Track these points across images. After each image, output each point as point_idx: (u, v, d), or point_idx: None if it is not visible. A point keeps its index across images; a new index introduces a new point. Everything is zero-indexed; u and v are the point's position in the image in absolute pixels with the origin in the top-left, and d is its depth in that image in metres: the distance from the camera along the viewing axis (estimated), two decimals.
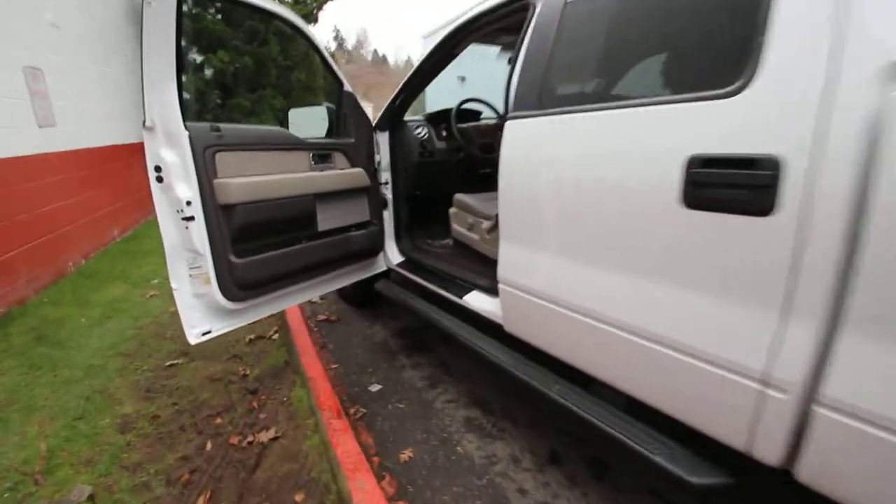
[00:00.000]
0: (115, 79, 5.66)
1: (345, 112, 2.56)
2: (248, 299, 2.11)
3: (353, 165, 2.57)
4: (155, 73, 1.77)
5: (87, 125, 4.86)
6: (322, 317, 3.44)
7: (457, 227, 2.79)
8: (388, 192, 2.88)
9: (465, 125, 3.00)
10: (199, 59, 7.61)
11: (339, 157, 2.50)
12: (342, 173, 2.47)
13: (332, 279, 2.57)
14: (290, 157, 2.25)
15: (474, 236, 2.60)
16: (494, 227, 2.36)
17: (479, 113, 3.28)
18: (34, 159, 3.82)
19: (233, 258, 1.99)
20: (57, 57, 4.29)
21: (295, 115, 2.78)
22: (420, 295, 2.66)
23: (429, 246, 3.07)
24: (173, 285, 1.94)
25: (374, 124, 2.73)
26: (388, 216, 2.89)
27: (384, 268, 2.95)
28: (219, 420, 2.25)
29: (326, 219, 2.43)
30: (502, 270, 1.87)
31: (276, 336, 3.07)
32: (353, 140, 2.56)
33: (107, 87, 5.43)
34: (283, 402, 2.34)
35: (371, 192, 2.68)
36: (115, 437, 2.12)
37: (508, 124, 1.73)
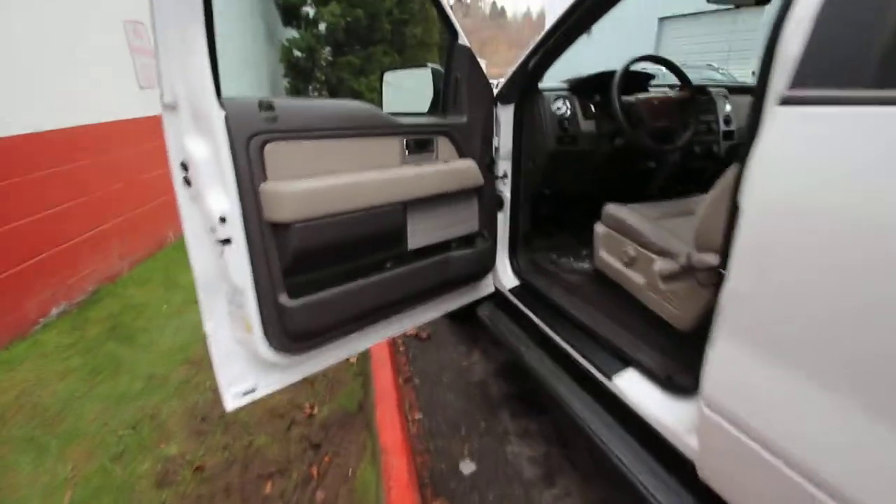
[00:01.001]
0: (222, 34, 5.42)
1: (456, 77, 1.76)
2: (305, 351, 1.49)
3: (462, 154, 1.78)
4: (173, 20, 1.13)
5: None
6: (411, 330, 2.82)
7: (605, 256, 1.90)
8: (505, 189, 2.07)
9: (630, 98, 2.03)
10: (312, 12, 7.22)
11: (442, 144, 1.73)
12: (447, 168, 1.70)
13: (421, 312, 1.87)
14: (375, 147, 1.54)
15: (636, 277, 1.70)
16: (679, 275, 1.45)
17: (646, 78, 2.25)
18: (134, 123, 3.63)
19: (284, 299, 1.37)
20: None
21: (391, 80, 2.04)
22: (538, 341, 1.87)
23: (556, 267, 2.22)
24: (206, 328, 1.38)
25: (495, 96, 1.90)
26: (502, 221, 2.09)
27: (492, 289, 2.18)
28: (269, 488, 1.74)
29: (420, 233, 1.71)
30: (716, 386, 1.00)
31: (353, 357, 2.51)
32: (464, 118, 1.77)
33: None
34: (346, 479, 1.76)
35: (484, 192, 1.89)
36: (149, 493, 1.71)
37: (784, 114, 0.81)
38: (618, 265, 1.79)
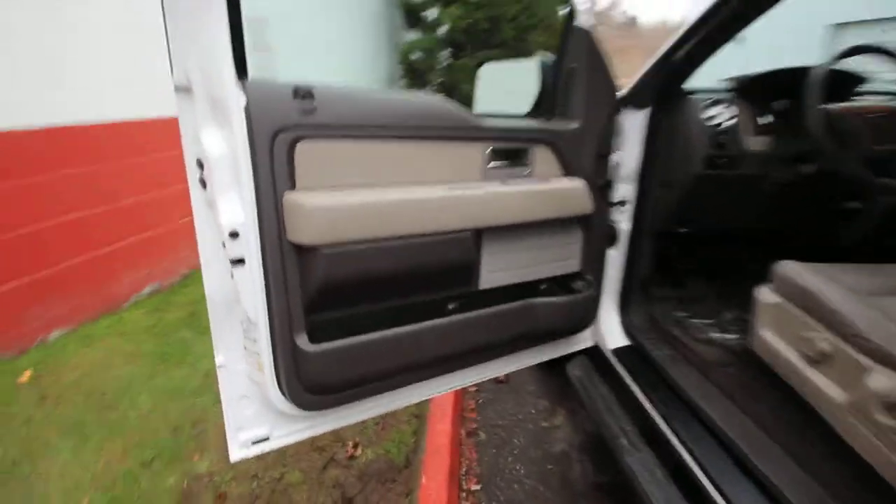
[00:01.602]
0: (339, 27, 5.51)
1: (570, 68, 1.33)
2: (325, 408, 1.18)
3: (567, 171, 1.35)
4: None
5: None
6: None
7: (770, 338, 1.31)
8: (623, 220, 1.59)
9: (835, 107, 1.40)
10: (434, 14, 7.17)
11: (541, 156, 1.32)
12: (543, 189, 1.29)
13: (490, 367, 1.46)
14: (448, 154, 1.18)
15: (828, 388, 1.10)
16: None
17: (854, 83, 1.58)
18: None
19: (302, 342, 1.07)
20: (278, 4, 4.12)
21: (489, 75, 1.67)
22: (645, 433, 1.37)
23: (684, 332, 1.66)
24: (217, 360, 1.13)
25: (620, 97, 1.44)
26: (614, 260, 1.60)
27: (589, 343, 1.70)
28: None
29: (497, 270, 1.32)
30: None
31: None
32: (575, 124, 1.34)
33: (330, 37, 5.30)
34: None
35: (592, 222, 1.43)
36: None
37: None
38: (793, 358, 1.20)
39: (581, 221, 1.43)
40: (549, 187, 1.29)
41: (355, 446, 1.86)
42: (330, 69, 5.12)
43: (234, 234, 0.97)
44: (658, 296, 1.81)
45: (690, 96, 1.50)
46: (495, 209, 1.20)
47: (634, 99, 1.48)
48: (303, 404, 1.12)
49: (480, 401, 2.21)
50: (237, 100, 0.92)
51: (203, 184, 0.99)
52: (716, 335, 1.60)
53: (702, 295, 1.86)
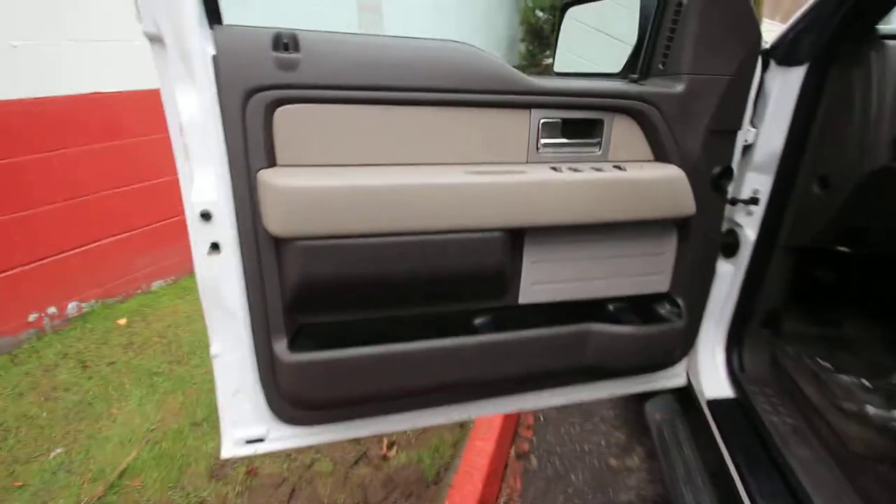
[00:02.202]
0: None
1: (678, 2, 0.92)
2: (309, 424, 1.01)
3: (660, 153, 0.97)
4: None
5: None
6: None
7: None
8: (748, 226, 1.15)
9: None
10: None
11: (621, 130, 0.96)
12: (621, 178, 0.94)
13: (533, 398, 1.16)
14: (481, 124, 0.89)
15: None
16: None
17: None
18: None
19: (280, 349, 0.89)
20: None
21: (575, 22, 1.28)
22: None
23: (825, 392, 1.16)
24: (212, 349, 1.02)
25: (764, 47, 0.98)
26: (726, 277, 1.18)
27: (680, 382, 1.30)
28: None
29: (544, 283, 1.01)
30: None
31: None
32: (679, 87, 0.94)
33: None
34: None
35: (693, 226, 1.03)
36: (196, 481, 1.56)
37: None
38: None
39: (678, 224, 1.03)
40: (629, 177, 0.92)
41: (390, 446, 1.70)
42: (442, 31, 4.89)
43: (204, 216, 0.81)
44: (790, 333, 1.31)
45: (889, 42, 0.96)
46: (543, 204, 0.88)
47: (786, 50, 1.01)
48: (282, 416, 0.97)
49: (541, 418, 1.91)
50: (202, 50, 0.74)
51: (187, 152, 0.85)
52: (874, 409, 1.08)
53: (861, 341, 1.30)
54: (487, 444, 1.60)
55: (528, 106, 0.87)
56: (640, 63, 1.00)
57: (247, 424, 1.04)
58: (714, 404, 1.19)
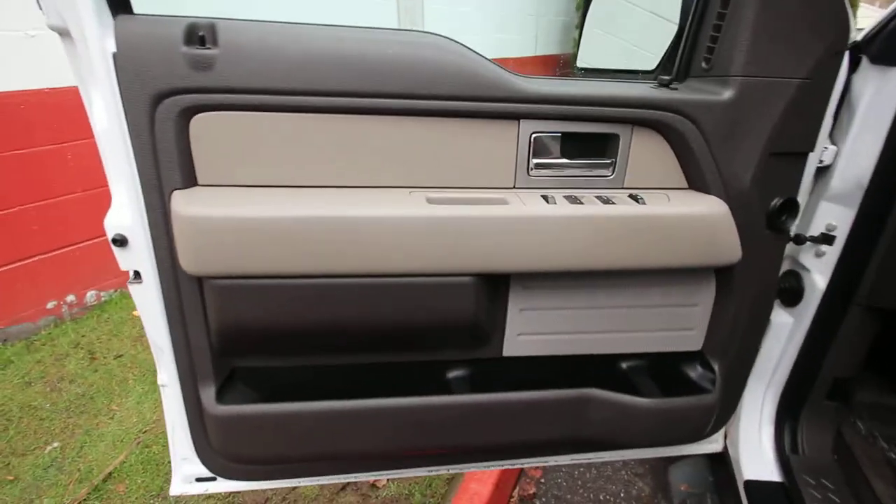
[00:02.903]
0: None
1: None
2: (254, 479, 0.88)
3: (696, 180, 0.74)
4: None
5: (470, 37, 4.33)
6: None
7: None
8: (818, 270, 0.89)
9: None
10: None
11: (642, 148, 0.73)
12: (638, 214, 0.72)
13: (513, 460, 0.97)
14: (453, 140, 0.70)
15: None
16: None
17: None
18: None
19: (207, 398, 0.77)
20: None
21: (603, 9, 1.04)
22: None
23: None
24: (160, 378, 0.91)
25: (855, 40, 0.72)
26: (782, 330, 0.93)
27: (715, 449, 1.07)
28: None
29: (535, 333, 0.81)
30: None
31: None
32: (725, 93, 0.70)
33: None
34: None
35: (737, 276, 0.80)
36: None
37: None
38: None
39: (717, 270, 0.80)
40: (649, 212, 0.71)
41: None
42: (487, 17, 4.59)
43: (118, 241, 0.68)
44: (864, 403, 1.03)
45: None
46: (531, 246, 0.69)
47: (883, 45, 0.75)
48: (212, 467, 0.84)
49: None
50: (101, 46, 0.60)
51: None
52: None
53: None
54: (483, 487, 1.43)
55: (516, 115, 0.68)
56: (676, 61, 0.77)
57: (197, 461, 0.93)
58: (753, 487, 0.96)
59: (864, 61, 0.78)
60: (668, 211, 0.70)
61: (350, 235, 0.64)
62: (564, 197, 0.70)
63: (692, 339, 0.85)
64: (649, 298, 0.80)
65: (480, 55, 0.67)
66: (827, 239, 0.87)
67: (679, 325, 0.84)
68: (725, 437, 1.05)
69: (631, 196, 0.72)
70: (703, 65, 0.72)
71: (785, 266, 0.96)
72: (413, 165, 0.68)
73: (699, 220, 0.71)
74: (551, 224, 0.67)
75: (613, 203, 0.69)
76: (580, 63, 1.06)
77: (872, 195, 0.81)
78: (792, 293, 0.94)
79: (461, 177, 0.70)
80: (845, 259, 0.86)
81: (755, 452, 0.99)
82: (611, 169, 0.73)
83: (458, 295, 0.69)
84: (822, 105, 0.73)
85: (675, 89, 0.71)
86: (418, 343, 0.77)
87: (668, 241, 0.71)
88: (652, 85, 0.73)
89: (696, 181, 0.73)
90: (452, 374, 0.81)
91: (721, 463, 1.07)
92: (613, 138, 0.71)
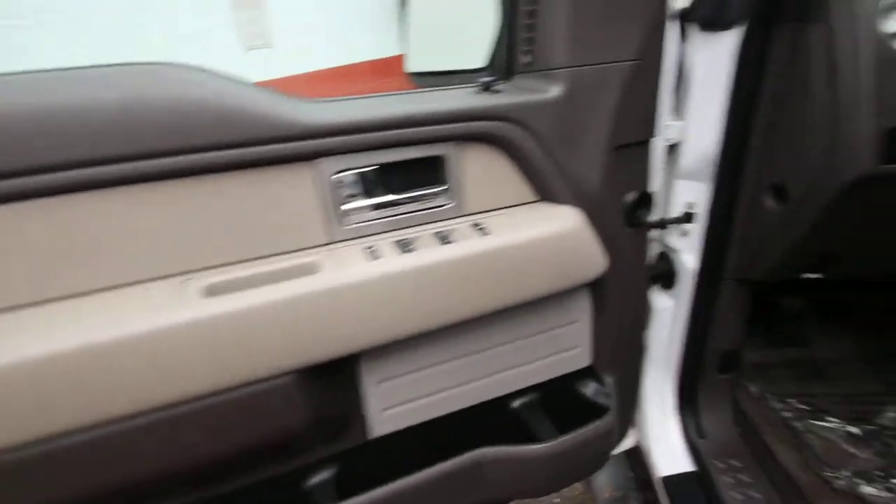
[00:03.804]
0: None
1: None
2: None
3: (542, 192, 0.64)
4: None
5: (324, 39, 3.95)
6: None
7: None
8: (687, 250, 0.85)
9: None
10: None
11: (477, 166, 0.61)
12: (479, 253, 0.59)
13: None
14: (228, 195, 0.52)
15: None
16: None
17: None
18: None
19: None
20: None
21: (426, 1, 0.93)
22: None
23: (810, 451, 0.89)
24: None
25: (682, 6, 0.66)
26: (667, 314, 0.89)
27: (630, 444, 1.02)
28: None
29: (404, 401, 0.67)
30: None
31: None
32: (554, 88, 0.60)
33: None
34: None
35: (609, 280, 0.71)
36: None
37: None
38: None
39: (589, 287, 0.72)
40: (496, 246, 0.59)
41: None
42: (337, 9, 4.25)
43: None
44: (751, 365, 1.05)
45: None
46: (357, 321, 0.54)
47: (710, 9, 0.70)
48: None
49: None
50: None
51: None
52: (868, 488, 0.80)
53: (834, 363, 1.05)
54: None
55: (308, 155, 0.52)
56: (499, 57, 0.66)
57: None
58: (669, 483, 0.91)
59: (694, 30, 0.73)
60: (518, 238, 0.59)
61: (86, 373, 0.44)
62: (395, 242, 0.57)
63: (579, 356, 0.77)
64: (524, 329, 0.70)
65: (244, 83, 0.50)
66: (688, 218, 0.83)
67: (562, 347, 0.76)
68: (638, 441, 1.01)
69: (475, 224, 0.60)
70: (526, 59, 0.62)
71: (657, 249, 0.92)
72: (179, 244, 0.50)
73: (554, 239, 0.61)
74: (377, 286, 0.53)
75: (451, 242, 0.57)
76: (411, 67, 0.93)
77: (723, 170, 0.77)
78: (667, 276, 0.90)
79: (253, 246, 0.53)
80: (709, 235, 0.82)
81: (665, 445, 0.95)
82: (447, 196, 0.60)
83: (277, 400, 0.52)
84: (657, 84, 0.67)
85: (499, 91, 0.60)
86: (248, 465, 0.59)
87: (524, 271, 0.60)
88: (473, 89, 0.61)
89: (544, 192, 0.64)
90: (312, 480, 0.64)
91: (638, 458, 1.03)
92: (439, 161, 0.58)
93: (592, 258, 0.66)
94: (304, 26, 3.70)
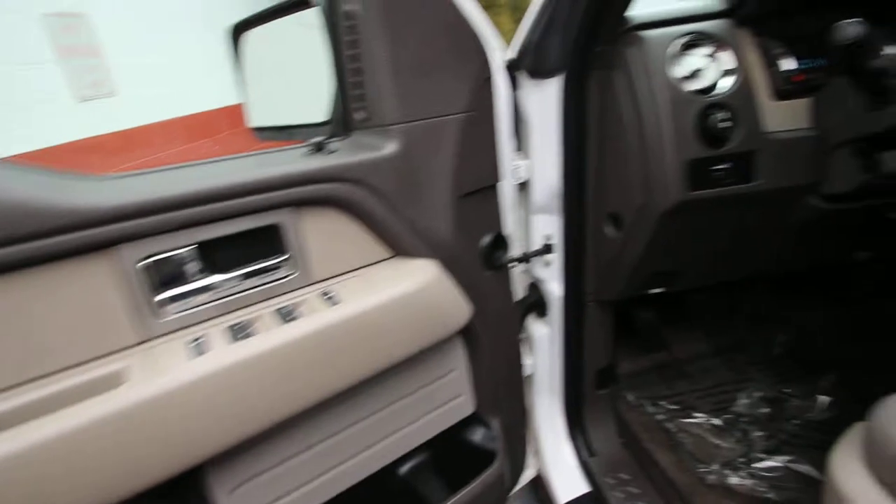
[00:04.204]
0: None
1: (348, 13, 0.56)
2: None
3: (395, 248, 0.61)
4: None
5: (176, 84, 3.63)
6: None
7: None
8: (551, 279, 0.88)
9: None
10: None
11: (317, 228, 0.56)
12: (322, 328, 0.53)
13: None
14: (26, 302, 0.41)
15: None
16: None
17: None
18: (72, 148, 2.81)
19: None
20: None
21: (256, 47, 0.89)
22: None
23: (686, 451, 0.96)
24: None
25: (511, 57, 0.69)
26: (542, 340, 0.91)
27: (531, 474, 1.01)
28: None
29: (272, 499, 0.58)
30: None
31: None
32: (390, 146, 0.58)
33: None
34: None
35: (477, 324, 0.70)
36: None
37: None
38: None
39: (462, 335, 0.71)
40: (346, 316, 0.54)
41: None
42: (186, 57, 3.87)
43: None
44: (625, 374, 1.12)
45: (644, 34, 0.74)
46: (183, 433, 0.45)
47: (533, 60, 0.75)
48: None
49: None
50: None
51: None
52: (737, 479, 0.88)
53: (692, 361, 1.17)
54: None
55: (103, 244, 0.44)
56: (338, 112, 0.64)
57: None
58: None
59: (524, 77, 0.78)
60: (373, 301, 0.55)
61: None
62: (229, 328, 0.50)
63: (462, 405, 0.75)
64: (398, 391, 0.66)
65: (7, 165, 0.41)
66: (548, 249, 0.87)
67: (443, 400, 0.73)
68: (538, 470, 1.01)
69: (325, 294, 0.56)
70: (360, 115, 0.60)
71: (529, 279, 0.95)
72: None
73: (412, 295, 0.59)
74: (203, 386, 0.45)
75: (297, 318, 0.52)
76: (253, 122, 0.87)
77: (567, 201, 0.82)
78: (540, 305, 0.93)
79: (41, 361, 0.43)
80: (568, 264, 0.87)
81: (562, 470, 0.96)
82: (289, 266, 0.55)
83: None
84: (493, 132, 0.70)
85: (334, 151, 0.57)
86: None
87: (385, 334, 0.57)
88: (307, 150, 0.57)
89: (396, 248, 0.62)
90: None
91: (542, 486, 1.03)
92: (274, 230, 0.53)
93: (456, 307, 0.64)
94: (153, 71, 3.41)
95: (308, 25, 0.70)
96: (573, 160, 0.80)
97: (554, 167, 0.81)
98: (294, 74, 0.87)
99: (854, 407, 0.63)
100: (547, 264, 0.90)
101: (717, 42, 0.71)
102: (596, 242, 0.84)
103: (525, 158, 0.83)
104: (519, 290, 0.92)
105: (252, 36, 0.86)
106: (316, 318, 0.51)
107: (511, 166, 0.78)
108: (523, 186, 0.86)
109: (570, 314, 0.90)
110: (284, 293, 0.55)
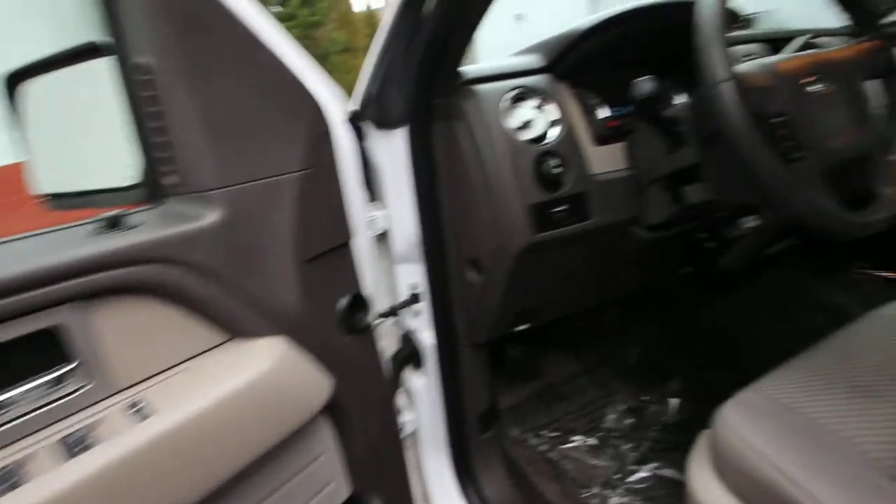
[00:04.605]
0: None
1: (138, 67, 0.48)
2: None
3: (232, 329, 0.51)
4: None
5: None
6: None
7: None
8: (422, 326, 0.84)
9: (752, 67, 0.72)
10: None
11: (117, 324, 0.44)
12: (128, 454, 0.41)
13: None
14: None
15: None
16: None
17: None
18: None
19: None
20: None
21: (42, 101, 0.75)
22: None
23: (571, 481, 0.98)
24: None
25: (354, 108, 0.66)
26: (421, 393, 0.87)
27: None
28: None
29: None
30: None
31: None
32: (212, 215, 0.50)
33: None
34: None
35: (342, 398, 0.63)
36: None
37: None
38: None
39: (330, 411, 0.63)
40: (167, 425, 0.44)
41: None
42: None
43: None
44: (506, 410, 1.13)
45: (477, 88, 0.77)
46: None
47: (377, 111, 0.72)
48: None
49: None
50: None
51: None
52: (617, 499, 0.93)
53: (565, 380, 1.23)
54: None
55: None
56: (147, 177, 0.54)
57: None
58: None
59: (370, 126, 0.75)
60: (201, 403, 0.46)
61: None
62: None
63: (337, 491, 0.67)
64: (257, 492, 0.56)
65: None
66: (415, 298, 0.84)
67: (315, 489, 0.64)
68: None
69: (133, 406, 0.45)
70: (171, 180, 0.51)
71: (401, 331, 0.91)
72: None
73: (256, 383, 0.50)
74: None
75: (91, 446, 0.40)
76: (41, 188, 0.71)
77: (427, 248, 0.81)
78: (414, 356, 0.90)
79: None
80: (436, 311, 0.85)
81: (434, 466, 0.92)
82: (78, 377, 0.43)
83: None
84: (338, 187, 0.65)
85: (137, 225, 0.48)
86: None
87: (224, 437, 0.47)
88: (97, 226, 0.47)
89: (232, 329, 0.53)
90: None
91: None
92: (50, 334, 0.42)
93: (313, 385, 0.57)
94: None
95: (104, 75, 0.59)
96: (427, 208, 0.79)
97: (410, 215, 0.79)
98: (94, 130, 0.73)
99: (700, 406, 0.69)
100: (416, 314, 0.87)
101: (542, 95, 0.77)
102: (460, 288, 0.83)
103: (382, 208, 0.80)
104: (392, 345, 0.87)
105: (34, 86, 0.71)
106: (116, 442, 0.40)
107: (366, 218, 0.75)
108: (383, 237, 0.83)
109: (445, 361, 0.88)
110: (73, 414, 0.43)
